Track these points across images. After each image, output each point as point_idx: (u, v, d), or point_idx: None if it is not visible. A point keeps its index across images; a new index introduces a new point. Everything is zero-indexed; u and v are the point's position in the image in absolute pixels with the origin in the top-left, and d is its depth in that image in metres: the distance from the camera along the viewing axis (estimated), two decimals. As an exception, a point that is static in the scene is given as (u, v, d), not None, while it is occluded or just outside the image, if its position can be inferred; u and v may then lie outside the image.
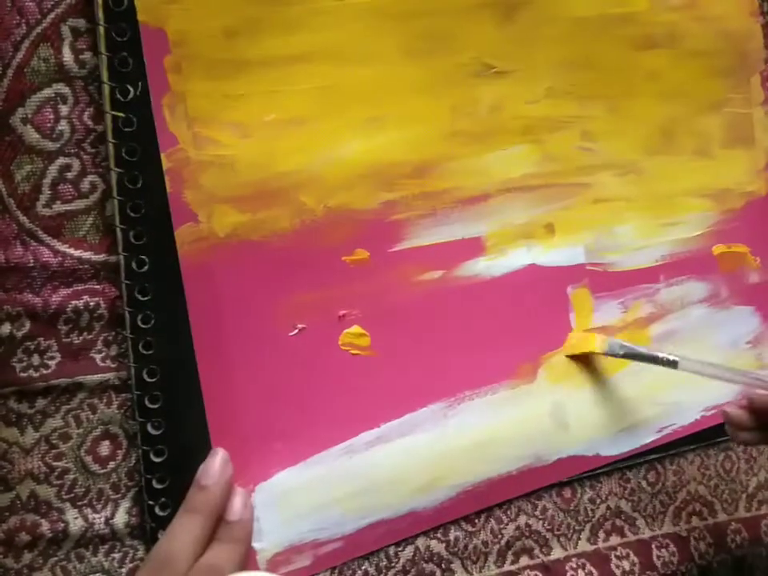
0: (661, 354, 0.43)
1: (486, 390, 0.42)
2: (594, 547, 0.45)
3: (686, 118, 0.49)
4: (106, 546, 0.36)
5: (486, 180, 0.43)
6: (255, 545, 0.37)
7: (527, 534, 0.44)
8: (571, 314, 0.45)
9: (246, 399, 0.37)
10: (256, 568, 0.36)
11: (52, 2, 0.34)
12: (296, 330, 0.38)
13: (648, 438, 0.47)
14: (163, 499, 0.36)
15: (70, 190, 0.35)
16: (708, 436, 0.48)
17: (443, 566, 0.42)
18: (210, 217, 0.36)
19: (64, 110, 0.35)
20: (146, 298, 0.35)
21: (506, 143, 0.43)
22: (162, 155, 0.35)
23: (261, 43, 0.36)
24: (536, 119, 0.44)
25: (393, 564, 0.41)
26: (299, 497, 0.38)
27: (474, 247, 0.43)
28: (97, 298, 0.36)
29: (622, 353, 0.44)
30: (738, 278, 0.51)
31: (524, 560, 0.44)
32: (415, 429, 0.40)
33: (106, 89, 0.34)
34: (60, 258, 0.35)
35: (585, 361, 0.45)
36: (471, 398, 0.42)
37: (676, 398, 0.48)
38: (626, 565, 0.45)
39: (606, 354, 0.44)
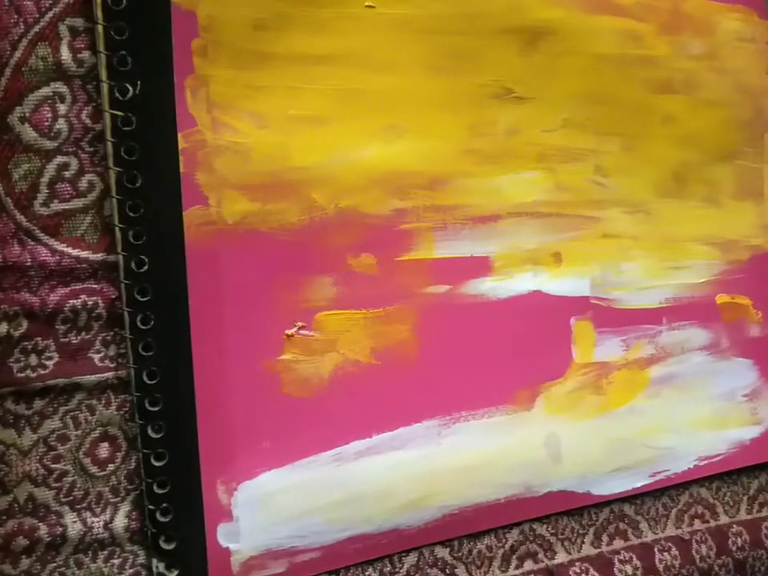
0: None
1: (483, 413, 0.42)
2: (597, 551, 0.45)
3: (698, 164, 0.49)
4: (106, 552, 0.35)
5: (498, 201, 0.43)
6: (231, 545, 0.35)
7: (531, 538, 0.43)
8: (573, 345, 0.45)
9: (239, 392, 0.36)
10: (228, 569, 0.35)
11: (50, 1, 0.34)
12: (295, 328, 0.37)
13: (639, 482, 0.46)
14: (164, 504, 0.35)
15: (68, 188, 0.35)
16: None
17: (447, 570, 0.41)
18: (221, 201, 0.36)
19: (62, 108, 0.34)
20: (145, 299, 0.35)
21: (519, 167, 0.43)
22: (180, 135, 0.34)
23: (288, 39, 0.37)
24: (551, 148, 0.44)
25: (397, 569, 0.40)
26: (282, 500, 0.36)
27: (481, 266, 0.42)
28: (95, 298, 0.35)
29: None
30: (739, 329, 0.51)
31: (528, 564, 0.43)
32: (408, 443, 0.39)
33: (105, 87, 0.34)
34: (58, 257, 0.34)
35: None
36: (467, 419, 0.41)
37: (670, 443, 0.47)
38: (628, 569, 0.45)
39: None
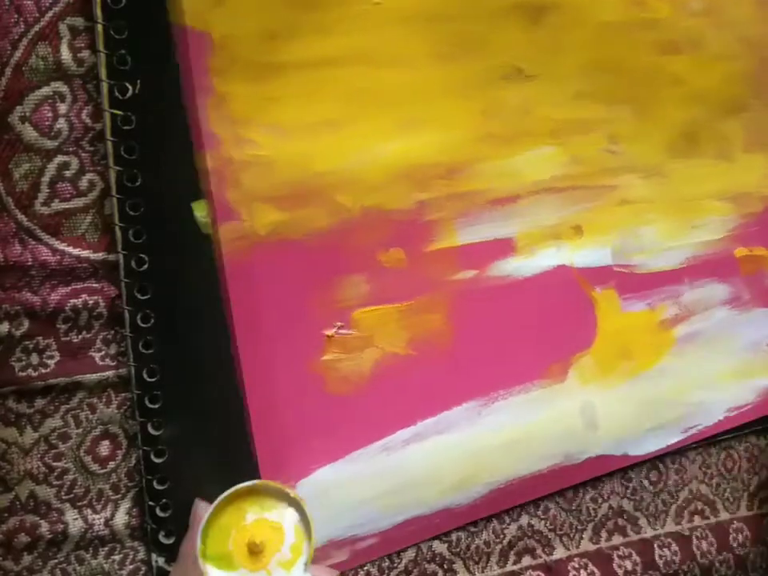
0: None
1: (519, 390, 0.43)
2: (596, 547, 0.45)
3: (707, 122, 0.49)
4: (106, 548, 0.36)
5: (516, 181, 0.43)
6: (296, 540, 0.37)
7: (529, 533, 0.44)
8: (599, 315, 0.46)
9: (287, 397, 0.37)
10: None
11: (50, 1, 0.34)
12: (335, 328, 0.39)
13: (674, 438, 0.48)
14: (164, 500, 0.36)
15: (69, 188, 0.35)
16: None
17: (445, 566, 0.42)
18: (252, 215, 0.36)
19: (62, 108, 0.34)
20: (145, 297, 0.35)
21: (534, 145, 0.44)
22: (207, 154, 0.35)
23: (299, 46, 0.37)
24: (563, 122, 0.45)
25: (395, 564, 0.41)
26: (338, 493, 0.38)
27: (505, 247, 0.43)
28: (96, 297, 0.35)
29: None
30: (759, 280, 0.51)
31: (526, 560, 0.44)
32: (451, 427, 0.41)
33: (105, 87, 0.34)
34: (59, 257, 0.35)
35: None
36: (504, 397, 0.42)
37: (700, 398, 0.49)
38: (628, 564, 0.45)
39: None
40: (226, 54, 0.35)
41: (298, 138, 0.37)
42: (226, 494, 0.29)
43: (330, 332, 0.38)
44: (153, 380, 0.35)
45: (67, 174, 0.35)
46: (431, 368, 0.41)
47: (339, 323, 0.39)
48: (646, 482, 0.47)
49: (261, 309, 0.37)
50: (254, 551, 0.29)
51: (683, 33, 0.48)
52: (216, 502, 0.29)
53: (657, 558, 0.46)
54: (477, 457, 0.41)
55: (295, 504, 0.31)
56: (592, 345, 0.45)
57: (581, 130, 0.45)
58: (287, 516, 0.30)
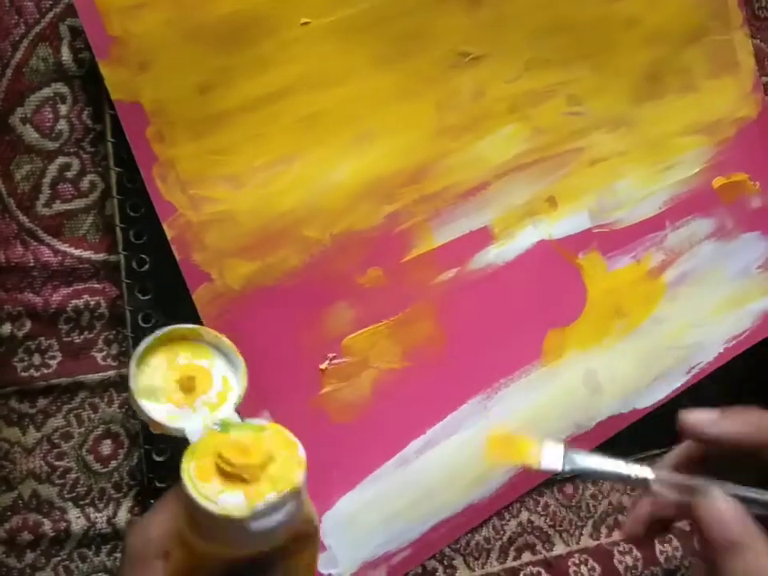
0: (631, 473, 0.31)
1: (519, 374, 0.43)
2: (596, 543, 0.45)
3: (668, 57, 0.48)
4: (109, 546, 0.37)
5: (482, 168, 0.43)
6: (333, 571, 0.38)
7: (529, 530, 0.44)
8: (586, 280, 0.46)
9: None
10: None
11: (50, 2, 0.34)
12: (327, 360, 0.39)
13: (679, 382, 0.48)
14: None
15: (70, 189, 0.35)
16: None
17: (445, 562, 0.42)
18: (222, 273, 0.36)
19: (63, 109, 0.35)
20: (146, 297, 0.36)
21: (494, 127, 0.43)
22: (164, 225, 0.34)
23: (237, 90, 0.36)
24: (520, 96, 0.43)
25: None
26: (364, 517, 0.39)
27: (482, 237, 0.43)
28: (97, 297, 0.36)
29: (568, 468, 0.31)
30: (741, 206, 0.51)
31: (526, 556, 0.44)
32: (460, 426, 0.41)
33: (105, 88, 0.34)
34: (60, 258, 0.35)
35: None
36: (507, 385, 0.43)
37: (699, 337, 0.49)
38: (628, 560, 0.46)
39: (545, 470, 0.32)
40: (161, 119, 0.34)
41: (253, 183, 0.37)
42: (161, 331, 0.29)
43: (323, 365, 0.39)
44: None
45: (68, 175, 0.35)
46: (430, 374, 0.41)
47: (331, 354, 0.39)
48: None
49: (251, 360, 0.36)
50: (186, 386, 0.29)
51: (630, -29, 0.46)
52: (150, 338, 0.29)
53: (658, 553, 0.46)
54: (490, 449, 0.42)
55: (226, 354, 0.30)
56: (584, 311, 0.46)
57: (539, 99, 0.44)
58: (216, 365, 0.30)
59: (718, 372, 0.49)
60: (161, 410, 0.28)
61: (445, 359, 0.41)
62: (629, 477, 0.31)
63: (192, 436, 0.27)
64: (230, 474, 0.25)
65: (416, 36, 0.40)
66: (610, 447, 0.46)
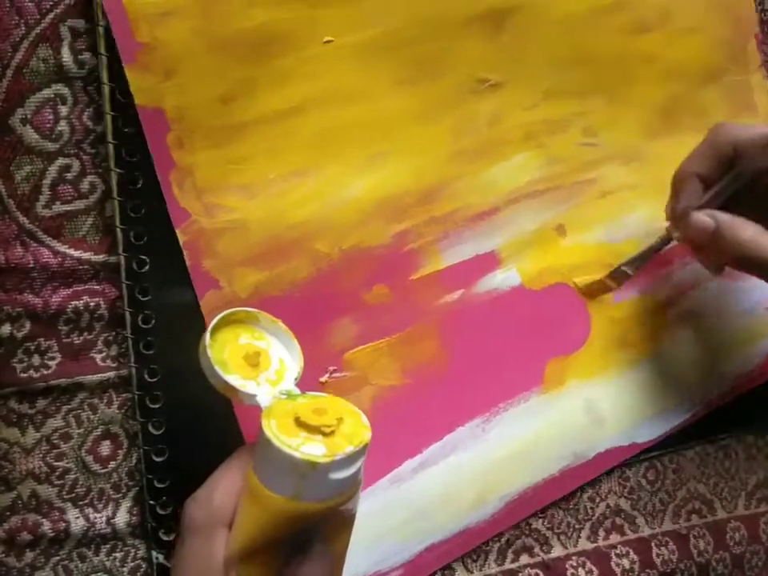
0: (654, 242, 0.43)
1: (519, 399, 0.43)
2: (594, 545, 0.45)
3: (685, 95, 0.48)
4: (108, 546, 0.37)
5: (494, 193, 0.43)
6: (321, 585, 0.38)
7: (527, 532, 0.44)
8: (591, 310, 0.46)
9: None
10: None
11: (51, 3, 0.34)
12: (328, 373, 0.39)
13: (681, 418, 0.48)
14: (164, 498, 0.37)
15: (70, 190, 0.35)
16: (707, 434, 0.49)
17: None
18: (231, 280, 0.36)
19: (63, 110, 0.35)
20: (146, 298, 0.36)
21: (508, 154, 0.43)
22: (178, 230, 0.35)
23: (257, 102, 0.36)
24: (536, 124, 0.44)
25: None
26: (356, 534, 0.39)
27: (489, 262, 0.43)
28: (97, 299, 0.36)
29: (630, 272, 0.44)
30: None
31: (524, 558, 0.44)
32: (457, 448, 0.41)
33: (106, 89, 0.34)
34: (60, 259, 0.35)
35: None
36: (506, 409, 0.43)
37: (701, 375, 0.49)
38: (625, 563, 0.45)
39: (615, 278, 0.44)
40: (182, 126, 0.35)
41: (267, 194, 0.37)
42: (225, 312, 0.32)
43: (323, 378, 0.39)
44: (153, 380, 0.36)
45: (68, 176, 0.35)
46: (430, 394, 0.41)
47: (332, 368, 0.39)
48: (643, 481, 0.47)
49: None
50: (252, 361, 0.32)
51: (650, 9, 0.47)
52: (217, 318, 0.32)
53: (654, 556, 0.46)
54: (487, 473, 0.42)
55: (280, 337, 0.34)
56: (587, 341, 0.46)
57: (555, 129, 0.44)
58: (274, 346, 0.33)
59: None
60: (231, 379, 0.31)
61: (445, 380, 0.42)
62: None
63: (263, 402, 0.30)
64: (311, 428, 0.29)
65: (436, 60, 0.41)
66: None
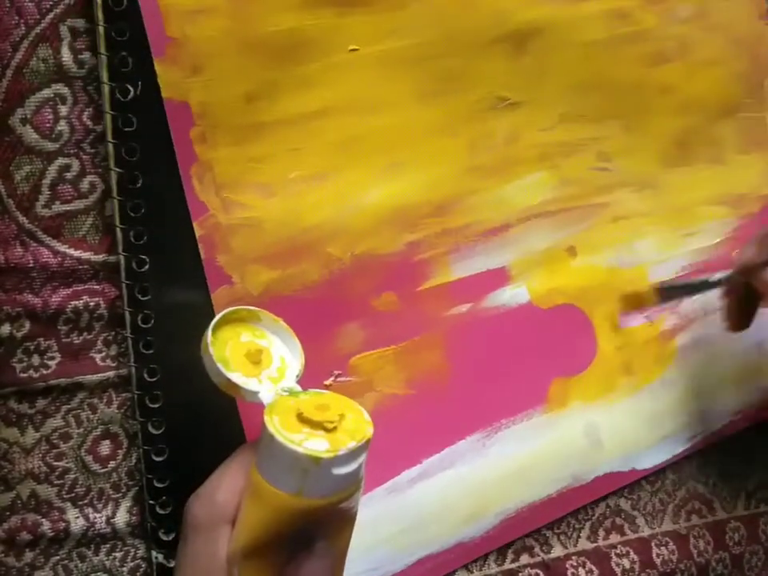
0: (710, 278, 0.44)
1: (521, 417, 0.43)
2: (594, 545, 0.45)
3: (700, 127, 0.49)
4: (108, 546, 0.37)
5: (507, 210, 0.43)
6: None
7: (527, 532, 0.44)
8: (597, 333, 0.46)
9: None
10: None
11: (51, 2, 0.34)
12: (333, 377, 0.39)
13: (681, 448, 0.48)
14: (164, 498, 0.36)
15: (70, 190, 0.35)
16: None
17: None
18: (244, 277, 0.37)
19: (63, 110, 0.35)
20: (145, 298, 0.35)
21: (523, 172, 0.44)
22: (195, 224, 0.35)
23: (280, 104, 0.37)
24: (552, 146, 0.44)
25: None
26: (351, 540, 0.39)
27: (498, 278, 0.43)
28: (97, 298, 0.36)
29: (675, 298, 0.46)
30: (759, 281, 0.51)
31: (524, 558, 0.44)
32: (456, 462, 0.41)
33: (106, 89, 0.34)
34: (59, 259, 0.35)
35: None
36: (507, 426, 0.43)
37: (704, 406, 0.49)
38: (625, 563, 0.46)
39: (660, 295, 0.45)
40: (206, 121, 0.35)
41: (285, 195, 0.37)
42: (227, 310, 0.32)
43: (328, 381, 0.39)
44: (153, 380, 0.36)
45: (68, 175, 0.35)
46: (432, 405, 0.41)
47: (337, 371, 0.39)
48: (643, 481, 0.47)
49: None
50: (254, 359, 0.32)
51: (670, 41, 0.47)
52: (219, 315, 0.32)
53: (654, 556, 0.46)
54: (485, 488, 0.42)
55: (281, 336, 0.34)
56: (592, 364, 0.46)
57: (570, 151, 0.45)
58: (275, 345, 0.34)
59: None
60: (233, 376, 0.31)
61: (448, 392, 0.42)
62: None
63: (265, 399, 0.31)
64: (314, 424, 0.29)
65: (459, 76, 0.41)
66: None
